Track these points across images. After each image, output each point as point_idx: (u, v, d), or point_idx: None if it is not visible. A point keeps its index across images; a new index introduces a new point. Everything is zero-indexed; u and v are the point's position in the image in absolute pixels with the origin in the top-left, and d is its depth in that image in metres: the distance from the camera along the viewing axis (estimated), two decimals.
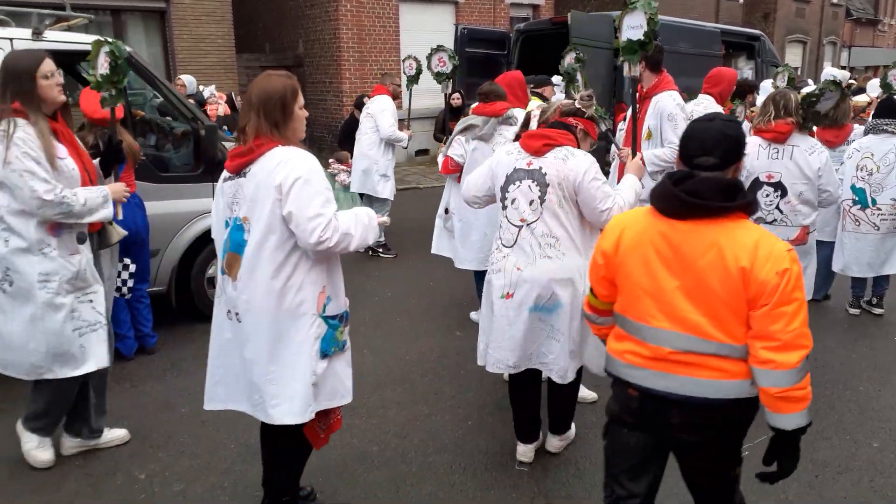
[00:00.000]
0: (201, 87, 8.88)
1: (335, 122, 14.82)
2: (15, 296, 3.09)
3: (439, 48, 7.15)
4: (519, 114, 5.57)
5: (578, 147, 3.19)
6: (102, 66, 3.58)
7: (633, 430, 2.21)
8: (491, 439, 3.67)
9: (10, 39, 4.41)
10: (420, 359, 4.75)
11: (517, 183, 3.17)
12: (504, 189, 3.23)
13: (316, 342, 2.54)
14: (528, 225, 3.14)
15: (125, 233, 3.57)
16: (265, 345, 2.52)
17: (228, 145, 5.32)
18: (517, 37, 10.28)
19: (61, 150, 3.10)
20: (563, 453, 3.51)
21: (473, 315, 5.61)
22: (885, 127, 5.11)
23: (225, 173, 2.60)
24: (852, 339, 5.11)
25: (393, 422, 3.84)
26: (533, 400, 3.45)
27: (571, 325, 3.16)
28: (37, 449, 3.35)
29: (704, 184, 2.02)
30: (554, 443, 3.52)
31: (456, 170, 5.11)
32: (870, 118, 5.50)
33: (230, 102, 9.56)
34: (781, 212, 4.09)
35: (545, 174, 3.09)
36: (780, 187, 4.08)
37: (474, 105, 5.31)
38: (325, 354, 2.56)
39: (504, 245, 3.23)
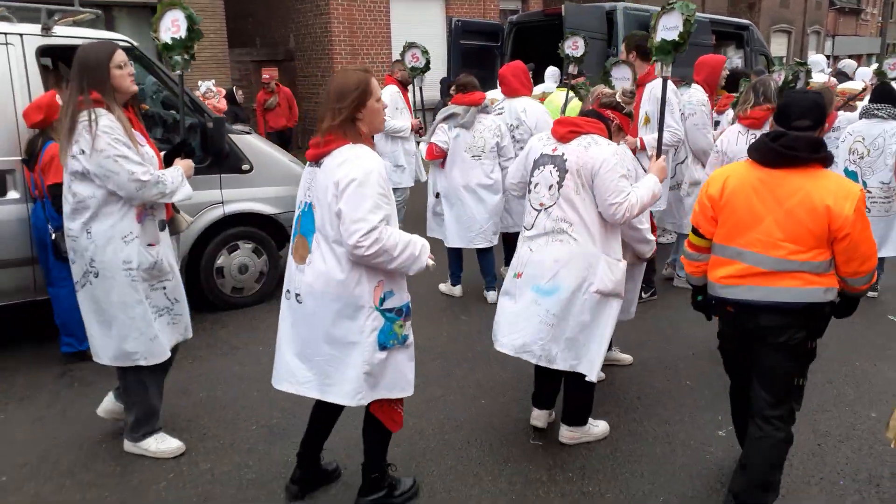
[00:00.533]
0: (200, 83, 8.90)
1: None
2: (101, 286, 3.15)
3: (412, 45, 7.28)
4: (524, 102, 5.72)
5: (610, 139, 3.24)
6: (171, 29, 3.67)
7: (731, 341, 2.89)
8: (504, 417, 3.79)
9: (21, 35, 4.47)
10: (429, 344, 4.85)
11: (541, 168, 3.25)
12: (531, 174, 3.32)
13: (372, 334, 2.62)
14: (545, 209, 3.22)
15: (192, 219, 3.61)
16: (323, 328, 2.64)
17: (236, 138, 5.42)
18: (510, 28, 10.38)
19: (139, 136, 3.18)
20: None
21: (442, 287, 5.83)
22: (876, 112, 5.26)
23: (307, 160, 2.71)
24: (848, 319, 5.23)
25: (408, 402, 3.85)
26: (551, 390, 3.56)
27: (569, 311, 3.18)
28: (160, 444, 3.40)
29: (798, 140, 2.60)
30: (564, 433, 3.48)
31: (440, 155, 5.45)
32: (863, 102, 5.66)
33: (230, 97, 9.58)
34: None
35: (566, 160, 3.15)
36: None
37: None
38: (383, 346, 2.64)
39: (525, 228, 3.33)
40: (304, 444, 3.02)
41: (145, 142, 3.22)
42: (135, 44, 5.07)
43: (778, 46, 27.75)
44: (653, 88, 5.13)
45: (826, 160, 2.62)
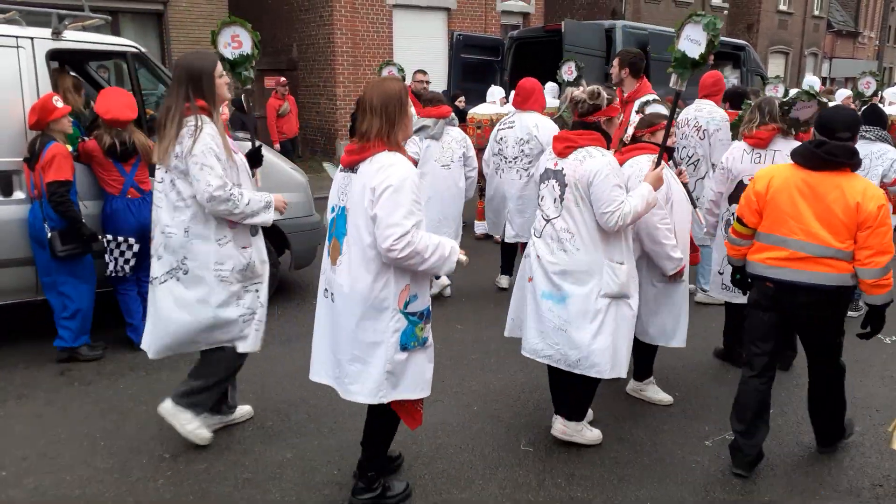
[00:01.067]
0: None
1: (328, 124, 15.00)
2: (188, 283, 3.28)
3: (388, 62, 7.48)
4: (535, 118, 5.83)
5: (607, 137, 3.40)
6: (231, 45, 3.85)
7: (766, 311, 3.35)
8: (496, 423, 3.86)
9: (31, 38, 4.57)
10: None
11: (546, 182, 3.43)
12: (539, 187, 3.50)
13: (395, 335, 2.75)
14: (551, 221, 3.40)
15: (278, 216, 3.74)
16: (350, 328, 2.79)
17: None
18: (511, 44, 10.52)
19: (233, 144, 3.32)
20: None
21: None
22: (864, 133, 5.36)
23: (341, 165, 2.86)
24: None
25: None
26: (565, 393, 3.65)
27: (583, 318, 3.32)
28: (199, 428, 3.48)
29: (838, 148, 3.14)
30: (557, 426, 3.60)
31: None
32: None
33: (238, 105, 9.67)
34: None
35: (565, 175, 3.32)
36: None
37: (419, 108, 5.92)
38: (404, 347, 2.78)
39: (535, 235, 3.51)
40: (364, 434, 3.11)
41: (237, 149, 3.37)
42: (143, 49, 5.17)
43: (775, 67, 28.00)
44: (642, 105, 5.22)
45: (857, 165, 3.16)
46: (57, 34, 4.69)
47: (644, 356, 4.14)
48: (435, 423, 3.82)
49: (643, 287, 3.72)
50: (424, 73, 7.60)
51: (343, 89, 14.38)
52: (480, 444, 3.63)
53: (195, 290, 3.26)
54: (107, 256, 4.58)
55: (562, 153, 3.37)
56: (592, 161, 3.26)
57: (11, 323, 5.11)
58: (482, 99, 9.00)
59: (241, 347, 3.42)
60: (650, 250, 3.70)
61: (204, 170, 3.11)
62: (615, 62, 5.61)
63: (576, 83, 6.62)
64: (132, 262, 4.65)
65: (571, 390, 3.58)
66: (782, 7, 27.92)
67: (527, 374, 4.47)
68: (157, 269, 3.35)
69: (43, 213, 4.33)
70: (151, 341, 3.42)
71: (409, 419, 2.97)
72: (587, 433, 3.63)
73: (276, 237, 5.69)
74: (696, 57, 3.56)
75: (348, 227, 2.75)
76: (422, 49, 14.68)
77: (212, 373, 3.45)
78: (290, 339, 5.03)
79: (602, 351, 3.33)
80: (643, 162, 3.72)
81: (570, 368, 3.39)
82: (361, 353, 2.79)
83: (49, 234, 4.31)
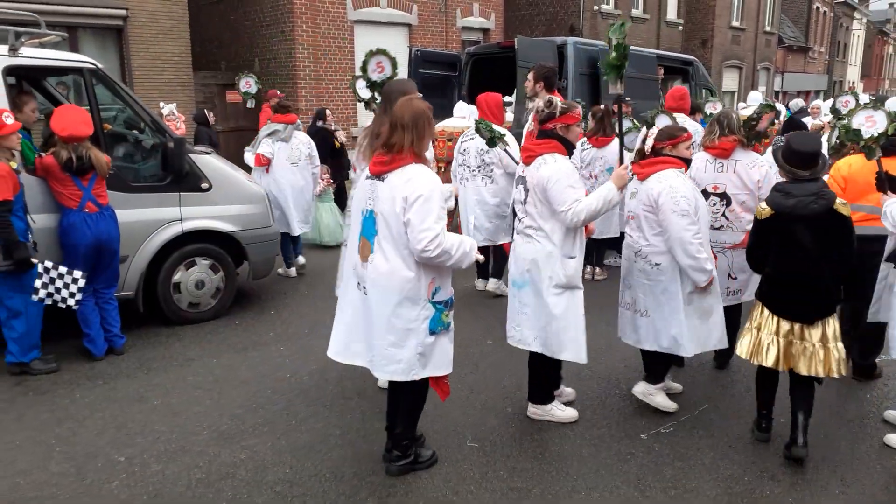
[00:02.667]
0: (162, 105, 9.05)
1: None
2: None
3: (245, 73, 7.85)
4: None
5: (567, 143, 3.76)
6: (376, 70, 4.86)
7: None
8: (445, 422, 4.03)
9: None
10: None
11: (518, 187, 3.91)
12: (514, 190, 4.00)
13: (425, 322, 3.17)
14: (521, 220, 3.87)
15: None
16: (385, 317, 3.15)
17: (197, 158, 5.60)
18: (468, 59, 10.74)
19: None
20: (509, 433, 3.91)
21: (280, 270, 6.66)
22: None
23: (367, 172, 3.22)
24: None
25: (354, 410, 4.17)
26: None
27: (540, 304, 3.75)
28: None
29: (890, 141, 4.25)
30: (528, 408, 4.09)
31: (266, 163, 6.95)
32: (778, 136, 6.10)
33: (202, 119, 9.71)
34: (727, 218, 4.54)
35: (527, 180, 3.77)
36: (724, 197, 4.55)
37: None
38: (433, 332, 3.19)
39: (515, 234, 3.95)
40: (388, 419, 3.52)
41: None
42: (99, 66, 5.27)
43: (729, 81, 28.84)
44: None
45: None
46: (13, 50, 4.77)
47: (657, 363, 4.18)
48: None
49: (668, 296, 3.91)
50: None
51: (305, 103, 14.47)
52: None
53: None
54: (37, 282, 4.45)
55: (525, 161, 3.82)
56: (546, 167, 3.66)
57: None
58: (442, 113, 9.20)
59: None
60: (683, 264, 3.83)
61: None
62: (530, 76, 5.86)
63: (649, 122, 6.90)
64: (77, 296, 4.62)
65: (530, 374, 4.00)
66: (735, 23, 28.80)
67: (477, 376, 4.66)
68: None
69: None
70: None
71: (441, 392, 3.39)
72: (557, 412, 4.02)
73: (233, 248, 5.81)
74: (609, 60, 3.87)
75: (378, 229, 3.12)
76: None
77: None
78: (247, 348, 5.14)
79: (554, 334, 3.75)
80: (671, 176, 3.86)
81: (528, 347, 3.85)
82: (396, 338, 3.16)
83: None
